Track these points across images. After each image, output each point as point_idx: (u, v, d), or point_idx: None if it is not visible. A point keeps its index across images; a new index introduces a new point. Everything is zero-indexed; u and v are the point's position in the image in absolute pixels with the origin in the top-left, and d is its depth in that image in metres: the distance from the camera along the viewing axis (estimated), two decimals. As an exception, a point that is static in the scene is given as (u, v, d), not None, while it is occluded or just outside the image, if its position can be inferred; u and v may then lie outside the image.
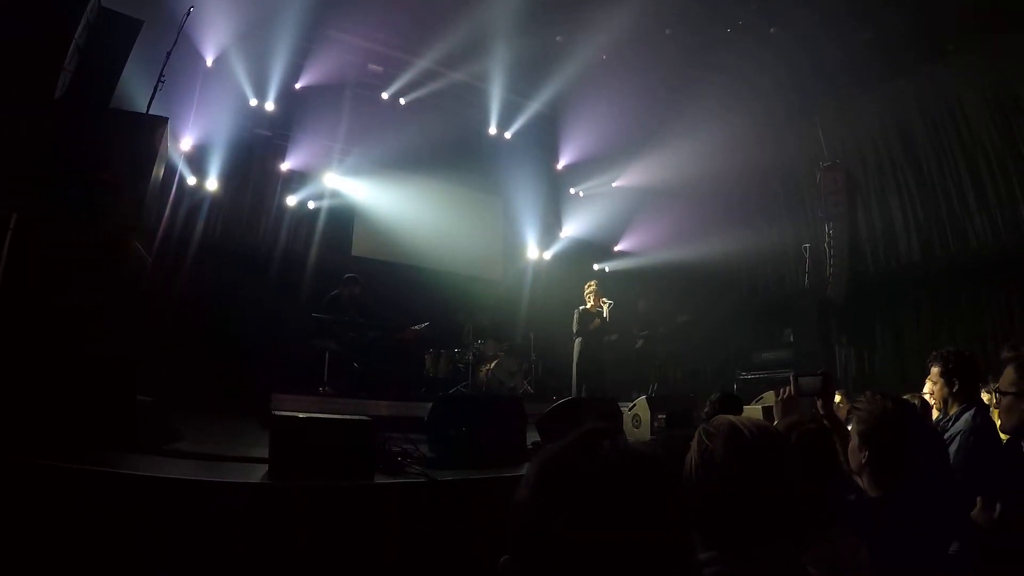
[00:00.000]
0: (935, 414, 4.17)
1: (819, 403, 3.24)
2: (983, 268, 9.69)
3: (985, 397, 3.93)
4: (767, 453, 1.60)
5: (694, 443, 1.69)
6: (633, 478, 0.97)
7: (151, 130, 4.66)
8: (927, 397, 4.53)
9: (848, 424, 2.94)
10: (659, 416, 7.46)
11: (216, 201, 10.45)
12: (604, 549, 0.91)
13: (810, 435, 2.35)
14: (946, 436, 3.57)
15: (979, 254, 9.77)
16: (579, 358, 9.99)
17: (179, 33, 5.81)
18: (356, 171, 11.96)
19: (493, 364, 10.67)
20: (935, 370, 3.90)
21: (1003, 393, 3.08)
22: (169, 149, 5.10)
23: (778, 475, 1.59)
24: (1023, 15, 8.77)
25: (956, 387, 3.79)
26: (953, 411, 3.80)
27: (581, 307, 10.13)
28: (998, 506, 2.78)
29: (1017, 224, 9.31)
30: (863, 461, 2.59)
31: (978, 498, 2.83)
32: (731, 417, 1.71)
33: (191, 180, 10.01)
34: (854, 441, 2.64)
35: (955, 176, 10.15)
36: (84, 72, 4.54)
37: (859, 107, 11.33)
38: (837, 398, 4.52)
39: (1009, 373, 3.08)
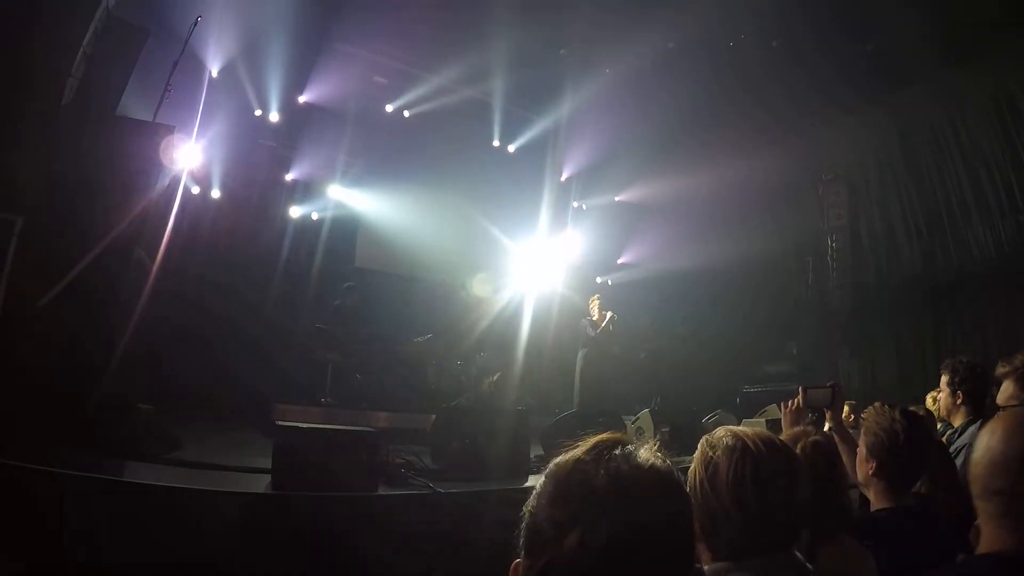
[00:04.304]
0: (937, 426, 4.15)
1: (828, 415, 3.23)
2: (985, 278, 9.67)
3: None
4: (771, 464, 1.59)
5: (697, 454, 1.68)
6: (646, 489, 0.96)
7: (157, 138, 4.67)
8: (930, 403, 4.50)
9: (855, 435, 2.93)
10: (663, 429, 7.45)
11: (220, 211, 10.45)
12: (618, 559, 0.90)
13: (815, 447, 2.34)
14: (952, 449, 3.54)
15: (981, 264, 9.75)
16: (582, 371, 9.96)
17: (186, 43, 5.83)
18: (360, 182, 11.98)
19: (496, 376, 10.64)
20: (944, 379, 3.86)
21: (1004, 408, 3.06)
22: (174, 158, 5.11)
23: (783, 486, 1.58)
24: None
25: (961, 399, 3.75)
26: (958, 423, 3.76)
27: (585, 319, 10.12)
28: None
29: (1019, 234, 9.30)
30: (870, 472, 2.57)
31: None
32: (735, 428, 1.70)
33: (195, 189, 10.02)
34: (862, 452, 2.63)
35: (957, 186, 10.15)
36: (91, 79, 4.56)
37: (860, 118, 11.34)
38: (844, 410, 4.49)
39: (1008, 387, 3.07)
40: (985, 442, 1.52)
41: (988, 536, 1.49)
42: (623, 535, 0.90)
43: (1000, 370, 3.20)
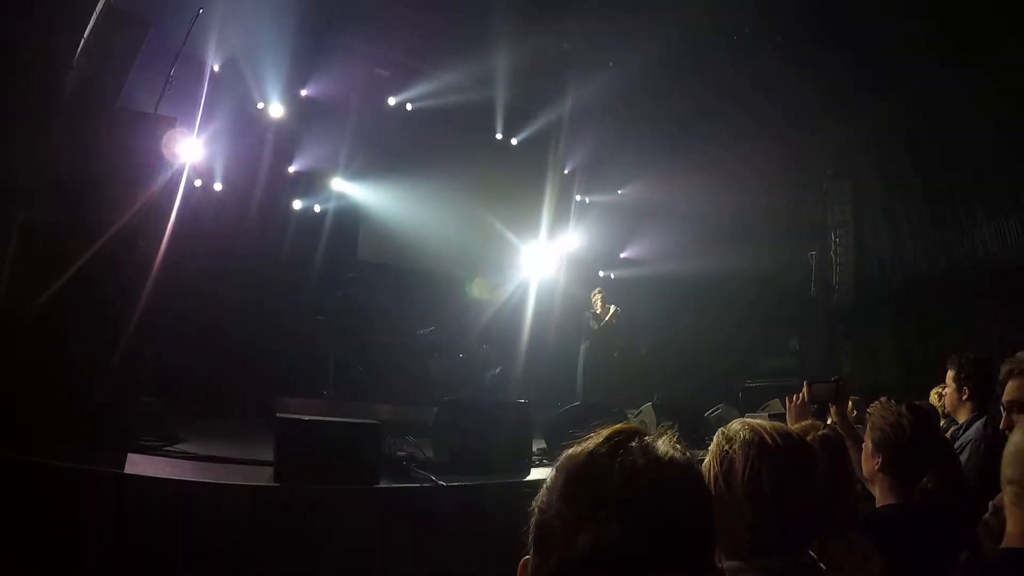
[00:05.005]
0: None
1: (833, 410, 3.22)
2: (990, 276, 9.63)
3: None
4: (790, 461, 1.55)
5: (712, 448, 1.63)
6: (664, 484, 0.90)
7: (159, 130, 4.65)
8: (934, 400, 4.48)
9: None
10: (665, 423, 7.42)
11: (223, 203, 10.43)
12: (633, 559, 0.84)
13: (824, 441, 2.32)
14: (957, 445, 3.53)
15: (986, 262, 9.71)
16: (585, 364, 9.97)
17: (188, 34, 5.81)
18: (363, 175, 11.96)
19: (498, 370, 10.65)
20: (949, 374, 3.84)
21: (1009, 406, 3.05)
22: (176, 150, 5.09)
23: (801, 484, 1.55)
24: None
25: (967, 395, 3.74)
26: (963, 419, 3.75)
27: (588, 312, 10.14)
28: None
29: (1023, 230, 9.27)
30: (876, 468, 2.56)
31: (991, 503, 2.79)
32: (752, 421, 1.66)
33: (197, 182, 9.99)
34: (867, 448, 2.62)
35: (961, 182, 10.10)
36: (93, 71, 4.54)
37: (865, 114, 11.28)
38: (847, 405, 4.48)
39: (1013, 385, 3.05)
40: (1016, 434, 1.58)
41: (1009, 526, 1.53)
42: (639, 533, 0.85)
43: (1005, 368, 3.18)
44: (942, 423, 4.04)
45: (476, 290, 12.44)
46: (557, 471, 0.97)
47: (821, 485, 1.62)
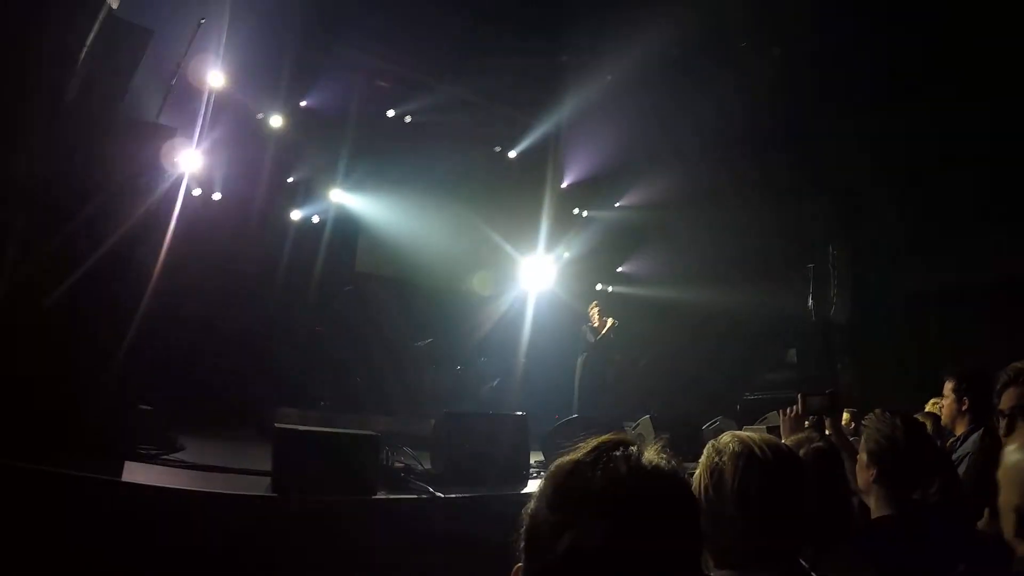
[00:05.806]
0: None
1: (827, 422, 3.23)
2: (989, 290, 9.64)
3: None
4: (778, 471, 1.58)
5: (703, 459, 1.67)
6: (646, 491, 0.93)
7: (159, 139, 4.67)
8: (934, 409, 4.46)
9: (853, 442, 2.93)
10: (662, 436, 7.41)
11: (221, 213, 10.43)
12: (615, 564, 0.87)
13: (818, 453, 2.33)
14: (954, 457, 3.52)
15: (983, 271, 9.72)
16: (581, 377, 9.96)
17: (190, 44, 5.85)
18: (361, 186, 11.98)
19: (496, 382, 10.64)
20: (948, 386, 3.82)
21: (1007, 415, 3.04)
22: (176, 159, 5.11)
23: (791, 492, 1.57)
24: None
25: (966, 406, 3.72)
26: (960, 431, 3.74)
27: (585, 325, 10.15)
28: None
29: (1020, 242, 9.27)
30: (871, 480, 2.57)
31: (986, 509, 2.78)
32: (741, 433, 1.69)
33: (197, 191, 10.00)
34: (862, 459, 2.62)
35: (959, 194, 10.10)
36: (95, 79, 4.55)
37: (863, 125, 11.30)
38: (844, 417, 4.48)
39: (1010, 394, 3.05)
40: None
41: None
42: (620, 538, 0.88)
43: (1003, 377, 3.18)
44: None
45: (478, 285, 12.50)
46: (546, 479, 1.01)
47: (811, 495, 1.64)
